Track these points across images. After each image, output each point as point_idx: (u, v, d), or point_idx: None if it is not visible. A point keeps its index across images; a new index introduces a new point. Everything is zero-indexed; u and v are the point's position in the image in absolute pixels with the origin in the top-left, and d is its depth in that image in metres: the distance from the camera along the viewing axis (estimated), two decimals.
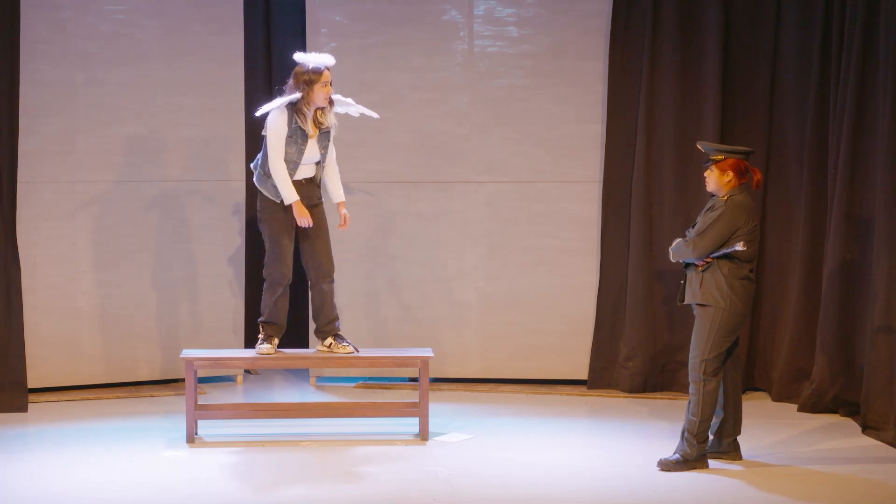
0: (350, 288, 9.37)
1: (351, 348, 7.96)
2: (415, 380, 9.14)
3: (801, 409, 8.67)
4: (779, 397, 8.96)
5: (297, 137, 7.78)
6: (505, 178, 9.36)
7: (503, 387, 9.38)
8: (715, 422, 7.35)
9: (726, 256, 7.11)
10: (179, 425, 8.01)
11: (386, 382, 9.48)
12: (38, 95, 8.92)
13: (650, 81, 9.09)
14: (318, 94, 7.78)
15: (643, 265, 9.15)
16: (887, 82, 7.95)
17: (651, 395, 9.18)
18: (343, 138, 9.33)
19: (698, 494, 6.73)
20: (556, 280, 9.36)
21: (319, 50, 9.25)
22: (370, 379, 9.52)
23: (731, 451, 7.36)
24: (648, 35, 9.05)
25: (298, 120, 7.77)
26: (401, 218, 9.40)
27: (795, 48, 8.91)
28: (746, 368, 9.13)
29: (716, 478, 7.03)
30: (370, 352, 8.12)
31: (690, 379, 7.19)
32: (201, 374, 8.57)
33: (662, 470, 7.15)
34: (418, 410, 7.83)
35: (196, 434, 7.80)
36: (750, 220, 7.14)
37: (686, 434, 7.18)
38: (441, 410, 8.52)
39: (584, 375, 9.37)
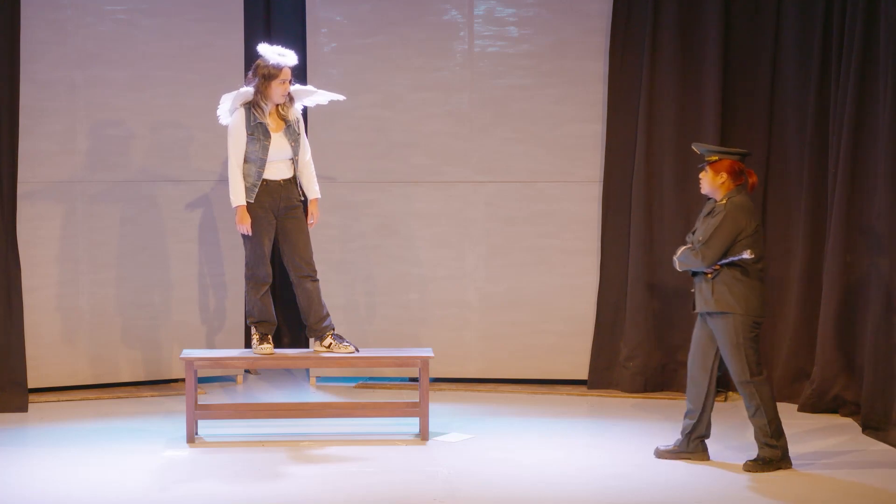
0: (350, 288, 9.37)
1: (351, 348, 7.95)
2: (415, 380, 9.14)
3: (801, 409, 8.67)
4: (779, 397, 8.92)
5: (258, 134, 7.70)
6: (505, 178, 9.36)
7: (503, 387, 9.38)
8: (688, 423, 7.32)
9: (734, 263, 7.07)
10: (179, 425, 8.01)
11: (386, 382, 9.48)
12: (38, 95, 8.91)
13: (650, 81, 9.09)
14: (276, 91, 7.70)
15: (643, 265, 9.15)
16: (887, 82, 7.94)
17: (651, 395, 9.18)
18: (343, 138, 9.36)
19: (699, 494, 6.72)
20: (556, 280, 9.36)
21: (320, 50, 9.28)
22: (370, 379, 9.52)
23: (698, 451, 7.33)
24: (648, 35, 9.05)
25: (257, 115, 7.70)
26: (401, 218, 9.40)
27: (795, 48, 8.91)
28: None
29: (716, 478, 7.03)
30: (370, 352, 8.12)
31: (739, 388, 7.13)
32: (201, 374, 8.56)
33: (747, 471, 7.09)
34: (418, 410, 7.83)
35: (196, 434, 7.80)
36: (752, 221, 7.08)
37: (761, 438, 7.13)
38: (441, 410, 8.52)
39: (584, 375, 9.36)
